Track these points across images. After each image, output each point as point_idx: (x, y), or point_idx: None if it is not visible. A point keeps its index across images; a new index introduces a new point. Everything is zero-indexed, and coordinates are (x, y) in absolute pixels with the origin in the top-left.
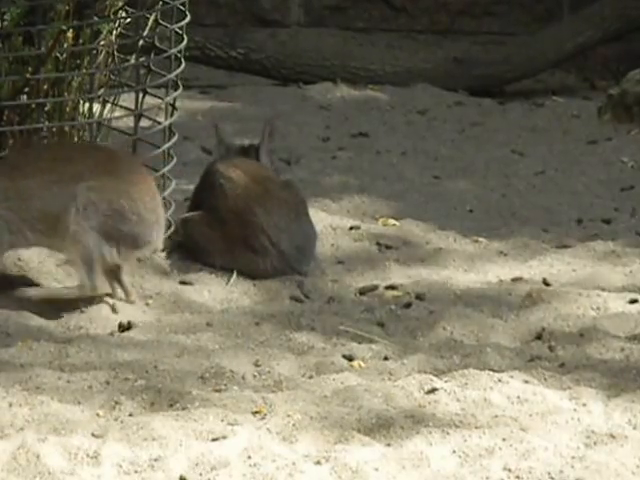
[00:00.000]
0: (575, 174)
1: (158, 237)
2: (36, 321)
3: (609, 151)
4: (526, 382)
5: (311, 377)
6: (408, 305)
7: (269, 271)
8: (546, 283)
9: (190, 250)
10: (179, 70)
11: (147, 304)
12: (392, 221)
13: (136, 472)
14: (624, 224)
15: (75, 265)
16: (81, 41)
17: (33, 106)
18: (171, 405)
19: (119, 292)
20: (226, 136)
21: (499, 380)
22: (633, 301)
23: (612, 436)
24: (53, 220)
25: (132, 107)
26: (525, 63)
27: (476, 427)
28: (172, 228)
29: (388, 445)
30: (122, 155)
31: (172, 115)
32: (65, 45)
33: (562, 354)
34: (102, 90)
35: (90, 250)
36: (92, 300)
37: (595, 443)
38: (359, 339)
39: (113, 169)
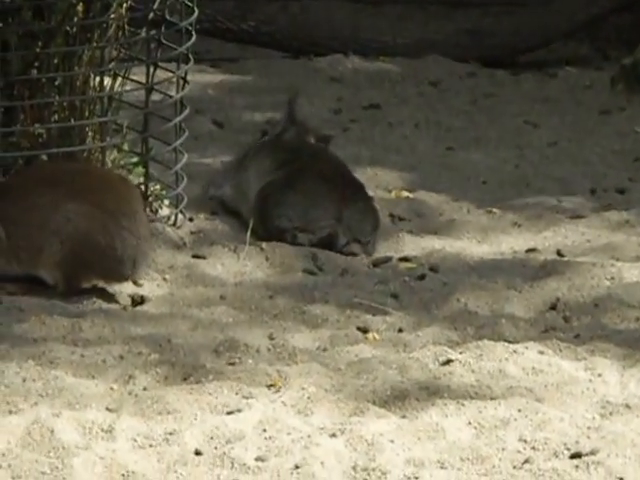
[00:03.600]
0: (588, 144)
1: (135, 272)
2: (49, 296)
3: (622, 121)
4: (541, 353)
5: (325, 350)
6: (422, 277)
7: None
8: (560, 254)
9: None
10: (190, 43)
11: (164, 279)
12: (405, 193)
13: (151, 446)
14: (638, 194)
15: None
16: (91, 14)
17: (44, 80)
18: (185, 379)
19: None
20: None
21: (514, 351)
22: None
23: (628, 406)
24: (36, 247)
25: (143, 81)
26: (537, 33)
27: (491, 398)
28: (184, 202)
29: (403, 417)
30: (115, 182)
31: (183, 88)
32: (75, 19)
33: (577, 324)
34: (113, 64)
35: (71, 279)
36: None
37: (611, 413)
38: (373, 311)
39: (99, 198)
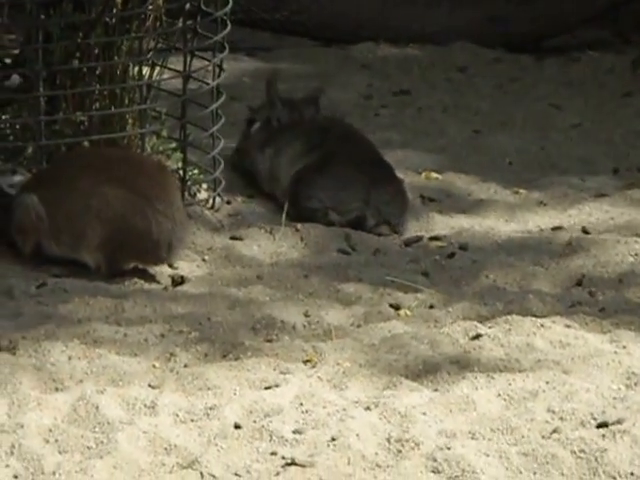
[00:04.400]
0: (611, 125)
1: (170, 255)
2: (92, 278)
3: None
4: (568, 327)
5: (359, 326)
6: (452, 255)
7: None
8: (585, 231)
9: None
10: (225, 32)
11: (203, 259)
12: (435, 174)
13: (192, 421)
14: None
15: (96, 265)
16: (130, 6)
17: (85, 70)
18: (224, 356)
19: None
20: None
21: (541, 325)
22: None
23: None
24: (77, 231)
25: (180, 69)
26: (560, 19)
27: (520, 371)
28: (222, 186)
29: (435, 390)
30: (153, 168)
31: (219, 76)
32: (114, 10)
33: (602, 299)
34: (151, 53)
35: (111, 260)
36: None
37: (636, 384)
38: (405, 289)
39: (137, 183)
